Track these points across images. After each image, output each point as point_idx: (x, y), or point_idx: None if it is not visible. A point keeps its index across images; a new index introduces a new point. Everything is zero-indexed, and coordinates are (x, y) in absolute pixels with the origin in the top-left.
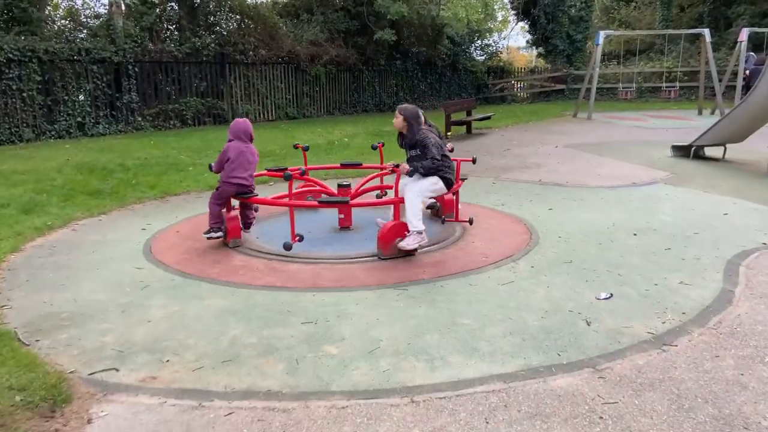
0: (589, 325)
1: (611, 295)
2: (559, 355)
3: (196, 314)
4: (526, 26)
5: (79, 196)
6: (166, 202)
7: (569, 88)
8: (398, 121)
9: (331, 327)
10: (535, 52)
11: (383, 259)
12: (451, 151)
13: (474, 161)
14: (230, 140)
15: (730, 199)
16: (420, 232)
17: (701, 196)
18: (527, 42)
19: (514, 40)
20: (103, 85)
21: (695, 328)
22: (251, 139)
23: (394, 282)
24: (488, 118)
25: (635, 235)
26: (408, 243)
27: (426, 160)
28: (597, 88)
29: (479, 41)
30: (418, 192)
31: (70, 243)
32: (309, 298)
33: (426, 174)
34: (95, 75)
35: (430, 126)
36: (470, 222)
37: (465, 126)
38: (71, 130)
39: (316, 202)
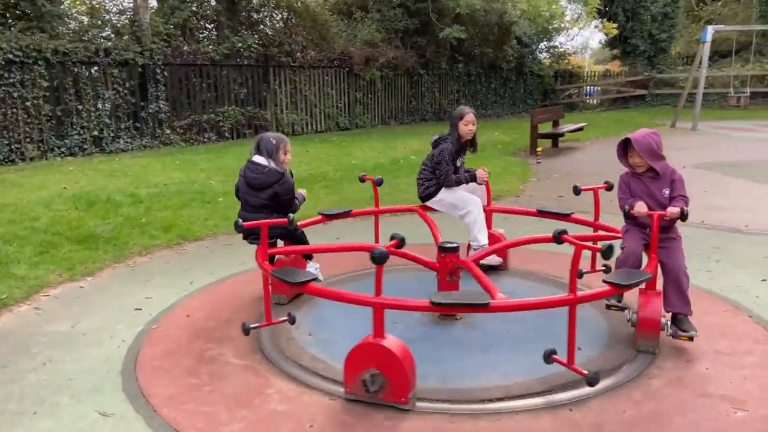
0: None
1: None
2: None
3: None
4: (600, 24)
5: (64, 244)
6: (181, 252)
7: (651, 93)
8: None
9: None
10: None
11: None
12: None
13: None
14: None
15: None
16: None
17: None
18: (600, 42)
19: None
20: (126, 91)
21: None
22: None
23: None
24: (581, 129)
25: None
26: None
27: None
28: (690, 94)
29: (546, 42)
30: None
31: (16, 341)
32: None
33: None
34: (116, 80)
35: None
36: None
37: (550, 139)
38: (86, 146)
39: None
